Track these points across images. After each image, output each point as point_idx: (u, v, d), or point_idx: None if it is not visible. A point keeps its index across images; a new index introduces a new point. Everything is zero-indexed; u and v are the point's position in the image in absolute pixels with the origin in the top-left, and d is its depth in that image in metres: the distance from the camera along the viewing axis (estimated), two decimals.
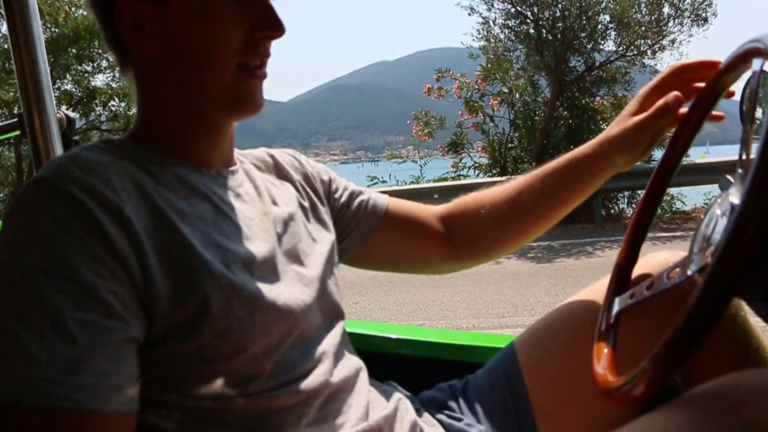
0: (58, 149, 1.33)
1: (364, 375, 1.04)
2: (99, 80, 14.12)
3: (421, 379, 1.27)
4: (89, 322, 0.71)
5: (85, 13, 13.16)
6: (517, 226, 1.22)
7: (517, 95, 11.61)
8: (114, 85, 14.12)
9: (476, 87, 11.92)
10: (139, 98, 0.95)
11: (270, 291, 0.89)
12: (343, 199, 1.20)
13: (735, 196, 0.80)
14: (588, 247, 8.28)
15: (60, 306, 0.70)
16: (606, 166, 1.14)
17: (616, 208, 11.08)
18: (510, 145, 11.81)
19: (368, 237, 1.21)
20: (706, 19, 10.52)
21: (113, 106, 14.12)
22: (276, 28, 0.92)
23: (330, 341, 0.99)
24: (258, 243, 0.93)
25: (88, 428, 0.70)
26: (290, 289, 0.94)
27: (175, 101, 0.92)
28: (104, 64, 14.17)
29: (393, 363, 1.34)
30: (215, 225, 0.88)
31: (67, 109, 1.38)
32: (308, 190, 1.16)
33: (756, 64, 0.85)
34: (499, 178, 10.54)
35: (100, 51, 13.88)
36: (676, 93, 1.06)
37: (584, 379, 0.97)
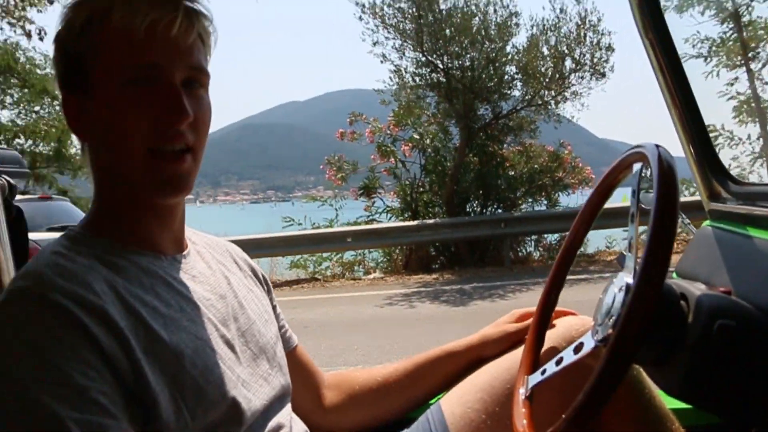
0: (1, 216, 1.35)
1: None
2: (3, 116, 13.50)
3: None
4: (86, 421, 0.76)
5: None
6: (380, 414, 1.36)
7: (428, 141, 11.90)
8: (19, 122, 13.56)
9: (389, 132, 12.14)
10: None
11: (232, 372, 0.98)
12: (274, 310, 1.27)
13: (628, 276, 0.95)
14: (499, 290, 8.53)
15: (58, 410, 0.75)
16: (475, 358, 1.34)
17: (524, 251, 11.47)
18: (421, 189, 12.06)
19: None
20: (604, 74, 11.15)
21: (18, 144, 13.51)
22: (179, 113, 0.94)
23: (285, 413, 1.09)
24: (219, 326, 1.01)
25: None
26: (249, 370, 1.03)
27: (108, 187, 1.00)
28: (8, 100, 13.61)
29: None
30: (181, 311, 0.95)
31: None
32: (257, 280, 1.25)
33: (636, 167, 1.02)
34: (411, 222, 10.78)
35: (4, 87, 13.36)
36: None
37: (503, 430, 1.11)
